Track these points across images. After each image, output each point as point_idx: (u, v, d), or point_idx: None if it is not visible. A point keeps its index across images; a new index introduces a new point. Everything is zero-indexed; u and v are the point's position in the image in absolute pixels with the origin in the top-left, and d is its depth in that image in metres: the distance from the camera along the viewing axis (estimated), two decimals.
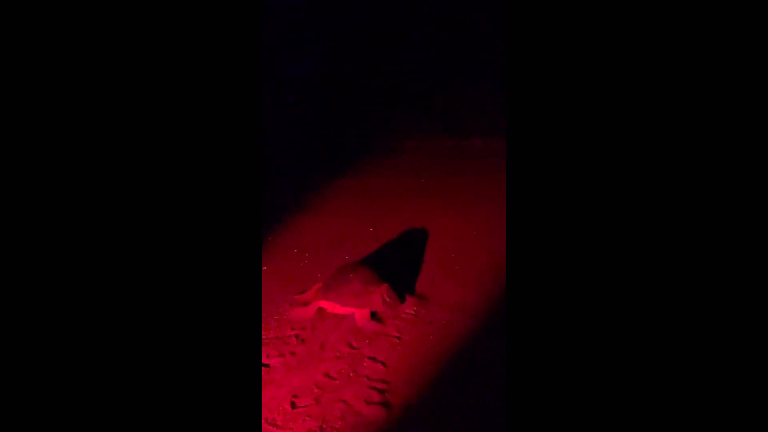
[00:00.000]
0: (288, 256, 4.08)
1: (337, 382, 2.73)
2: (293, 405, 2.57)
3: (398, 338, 3.05)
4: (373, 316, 3.19)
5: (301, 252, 4.17)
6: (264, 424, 2.43)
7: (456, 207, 4.25)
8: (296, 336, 3.12)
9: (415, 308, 3.28)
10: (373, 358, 2.90)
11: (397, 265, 3.59)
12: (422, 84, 6.10)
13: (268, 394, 2.62)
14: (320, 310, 3.28)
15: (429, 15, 6.52)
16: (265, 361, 2.90)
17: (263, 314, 3.27)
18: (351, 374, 2.78)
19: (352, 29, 6.59)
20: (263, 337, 3.11)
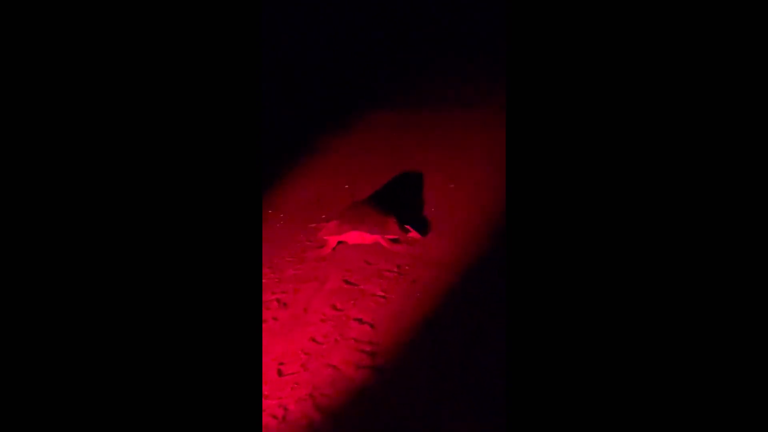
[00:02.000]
0: (263, 218, 3.92)
1: (324, 346, 2.64)
2: (280, 373, 2.48)
3: (384, 297, 2.97)
4: (395, 242, 3.35)
5: (275, 213, 4.02)
6: None
7: (450, 166, 4.12)
8: (277, 300, 3.01)
9: (398, 264, 3.19)
10: (359, 320, 2.81)
11: (394, 209, 3.55)
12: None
13: None
14: (339, 244, 3.40)
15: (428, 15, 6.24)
16: None
17: None
18: (338, 338, 2.70)
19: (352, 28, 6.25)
20: None
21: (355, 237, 3.38)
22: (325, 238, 3.44)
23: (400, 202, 3.67)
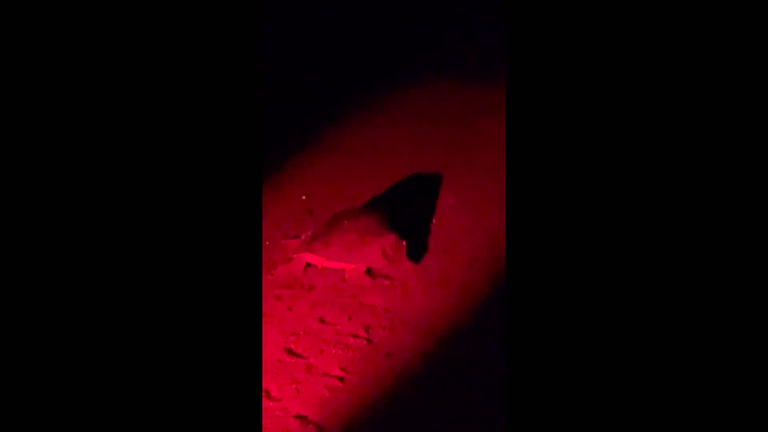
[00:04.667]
0: None
1: None
2: None
3: (341, 379, 2.01)
4: (369, 272, 2.50)
5: None
6: None
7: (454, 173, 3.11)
8: None
9: (368, 329, 2.22)
10: (303, 418, 1.87)
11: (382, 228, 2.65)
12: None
13: None
14: (308, 265, 2.55)
15: None
16: None
17: None
18: None
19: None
20: None
21: (320, 261, 2.55)
22: (289, 255, 2.60)
23: (388, 219, 2.67)
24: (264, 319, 2.25)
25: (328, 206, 2.85)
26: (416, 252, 2.57)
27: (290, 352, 2.12)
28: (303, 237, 2.64)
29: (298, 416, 1.88)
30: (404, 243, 2.54)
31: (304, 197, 2.97)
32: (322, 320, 2.26)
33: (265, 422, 1.83)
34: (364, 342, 2.16)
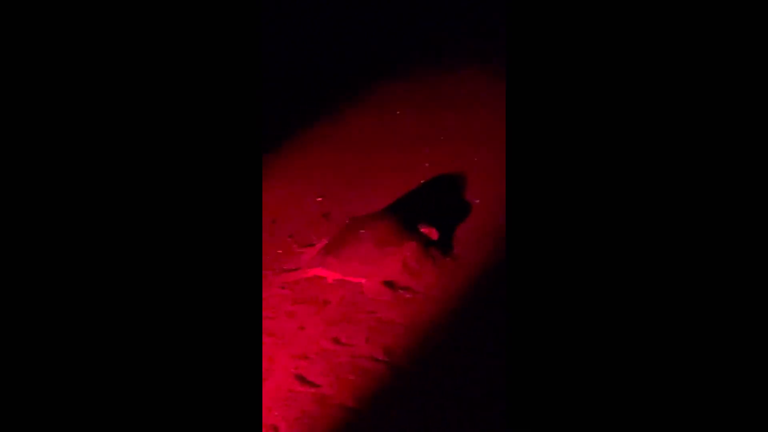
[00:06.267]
0: None
1: None
2: None
3: (357, 412, 1.81)
4: (389, 283, 2.24)
5: None
6: None
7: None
8: None
9: (387, 351, 2.00)
10: None
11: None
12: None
13: None
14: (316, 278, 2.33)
15: None
16: None
17: None
18: None
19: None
20: None
21: (332, 275, 2.32)
22: (299, 264, 2.40)
23: (408, 225, 2.41)
24: (274, 339, 2.06)
25: (345, 207, 2.63)
26: (440, 260, 2.33)
27: (302, 379, 1.92)
28: (318, 246, 2.42)
29: None
30: (427, 252, 2.29)
31: (319, 199, 2.76)
32: (337, 341, 2.05)
33: None
34: (383, 366, 1.95)
